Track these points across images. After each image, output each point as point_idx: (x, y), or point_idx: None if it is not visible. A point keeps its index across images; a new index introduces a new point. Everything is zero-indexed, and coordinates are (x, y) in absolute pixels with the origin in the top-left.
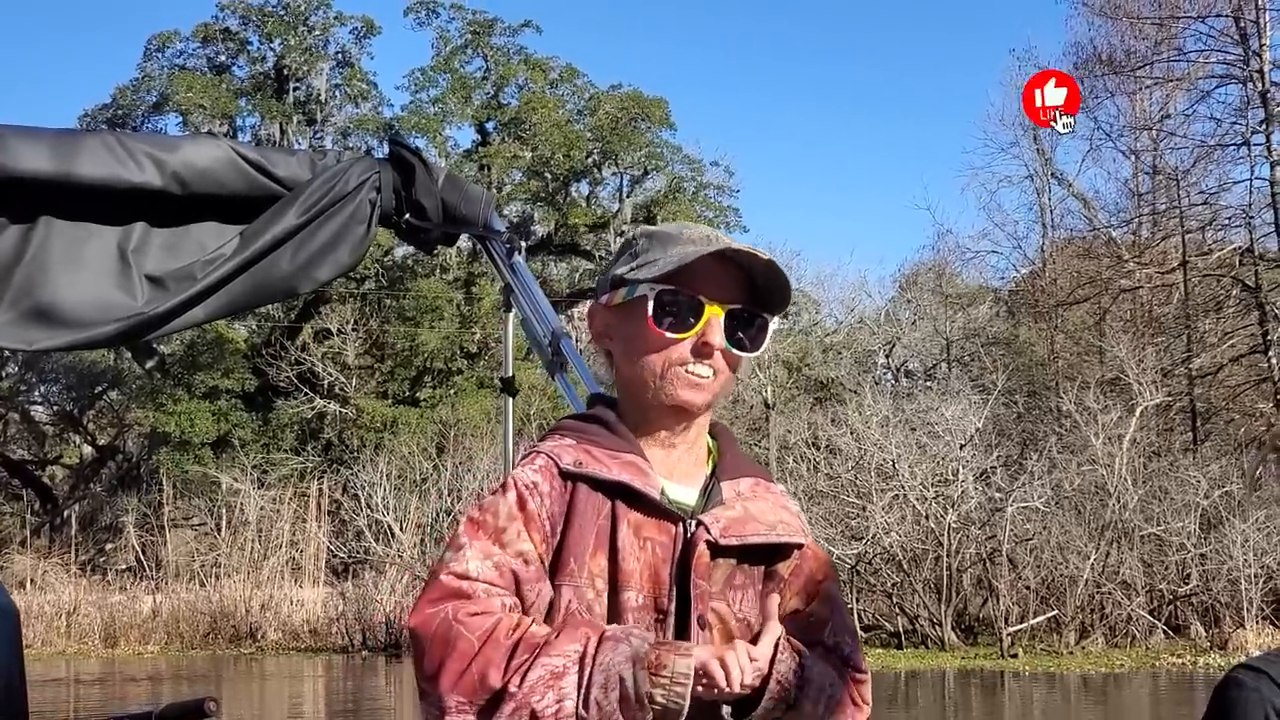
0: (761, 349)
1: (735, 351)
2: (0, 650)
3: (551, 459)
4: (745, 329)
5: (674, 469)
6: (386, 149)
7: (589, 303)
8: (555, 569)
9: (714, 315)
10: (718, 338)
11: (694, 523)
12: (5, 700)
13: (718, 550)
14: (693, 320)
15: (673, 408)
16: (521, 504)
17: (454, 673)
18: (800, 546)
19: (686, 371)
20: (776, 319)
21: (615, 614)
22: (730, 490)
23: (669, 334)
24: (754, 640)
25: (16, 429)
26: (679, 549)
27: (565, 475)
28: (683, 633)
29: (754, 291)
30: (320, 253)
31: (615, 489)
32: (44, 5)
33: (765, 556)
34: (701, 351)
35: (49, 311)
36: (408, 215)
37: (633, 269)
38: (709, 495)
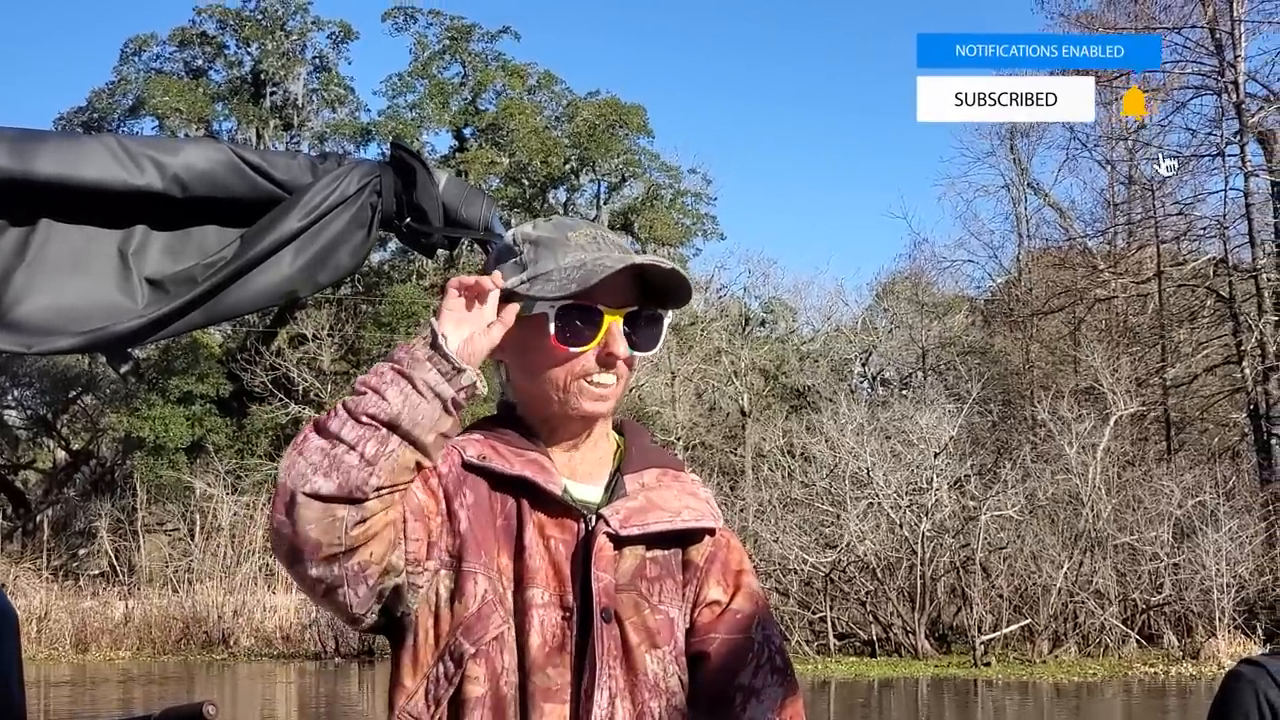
0: (658, 346)
1: (634, 354)
2: None
3: (456, 450)
4: (641, 329)
5: (577, 469)
6: (375, 152)
7: None
8: (462, 554)
9: (613, 323)
10: (620, 346)
11: (594, 517)
12: (3, 704)
13: (621, 542)
14: (593, 331)
15: (579, 418)
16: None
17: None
18: (712, 532)
19: (589, 383)
20: (672, 313)
21: (521, 610)
22: (634, 483)
23: (571, 348)
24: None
25: None
26: (581, 545)
27: (467, 467)
28: (588, 627)
29: (647, 288)
30: (321, 256)
31: (518, 485)
32: (18, 7)
33: (676, 544)
34: (605, 362)
35: (48, 314)
36: (408, 219)
37: (524, 282)
38: (613, 490)
